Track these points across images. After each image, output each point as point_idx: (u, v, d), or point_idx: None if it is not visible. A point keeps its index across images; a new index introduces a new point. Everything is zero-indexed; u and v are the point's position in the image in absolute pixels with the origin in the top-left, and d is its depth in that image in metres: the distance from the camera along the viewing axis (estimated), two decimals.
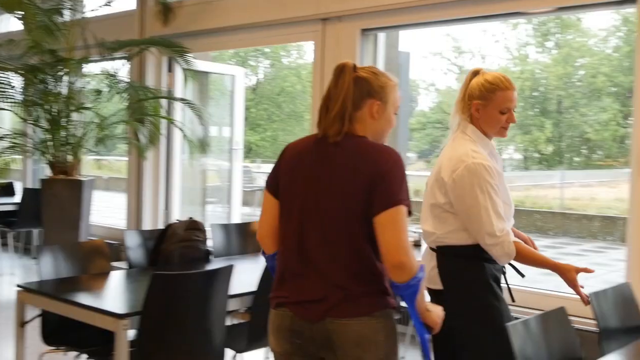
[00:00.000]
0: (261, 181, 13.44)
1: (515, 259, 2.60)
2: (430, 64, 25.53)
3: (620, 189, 16.24)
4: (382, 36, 5.80)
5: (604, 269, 9.41)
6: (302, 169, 2.15)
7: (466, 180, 2.55)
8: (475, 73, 2.74)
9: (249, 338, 3.34)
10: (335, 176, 2.09)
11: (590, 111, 21.19)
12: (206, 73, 7.23)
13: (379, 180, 2.04)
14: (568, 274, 2.57)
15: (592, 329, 4.17)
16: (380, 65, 5.83)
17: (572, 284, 2.57)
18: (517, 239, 2.66)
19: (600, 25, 23.86)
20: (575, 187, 16.23)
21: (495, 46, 29.78)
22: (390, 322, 2.12)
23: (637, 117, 4.32)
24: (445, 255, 2.67)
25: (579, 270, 2.58)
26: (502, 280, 2.69)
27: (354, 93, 2.10)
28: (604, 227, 12.17)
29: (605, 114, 21.21)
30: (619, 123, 22.06)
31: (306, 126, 26.20)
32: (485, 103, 2.67)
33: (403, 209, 2.03)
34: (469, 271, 2.64)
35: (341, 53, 5.71)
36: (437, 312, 2.19)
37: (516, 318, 2.44)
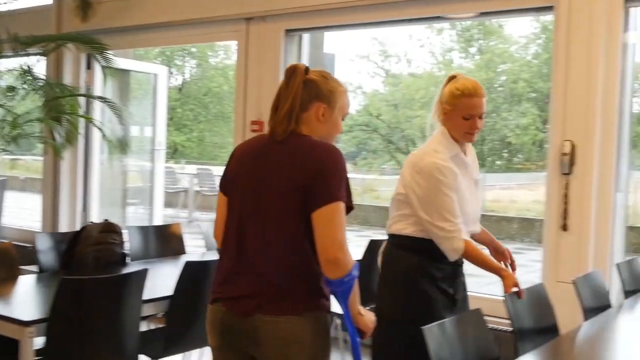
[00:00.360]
0: (185, 182, 13.23)
1: (465, 257, 2.74)
2: (357, 67, 25.75)
3: (538, 192, 16.74)
4: (306, 37, 5.78)
5: (522, 269, 9.60)
6: (246, 167, 2.20)
7: (421, 177, 2.71)
8: (451, 78, 2.89)
9: (165, 343, 3.24)
10: (274, 174, 2.13)
11: (510, 115, 21.79)
12: (127, 71, 7.03)
13: (317, 177, 2.06)
14: (507, 282, 2.69)
15: (509, 329, 4.28)
16: None
17: (507, 290, 2.68)
18: (469, 239, 2.78)
19: (520, 32, 24.63)
20: (496, 190, 16.64)
21: (420, 51, 30.29)
22: (320, 323, 2.11)
23: (553, 123, 4.43)
24: (392, 243, 2.85)
25: (516, 282, 2.72)
26: (447, 285, 2.78)
27: (302, 95, 2.14)
28: (522, 229, 12.49)
29: (525, 118, 21.85)
30: (537, 128, 22.77)
31: (232, 127, 26.09)
32: (451, 108, 2.80)
33: (341, 205, 2.05)
34: (406, 262, 2.78)
35: (265, 53, 5.66)
36: (369, 317, 2.20)
37: None
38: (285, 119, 2.14)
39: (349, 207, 2.09)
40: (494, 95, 22.77)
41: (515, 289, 2.68)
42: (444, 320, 2.31)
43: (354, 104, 26.06)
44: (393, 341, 2.76)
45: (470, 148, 2.99)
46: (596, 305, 3.14)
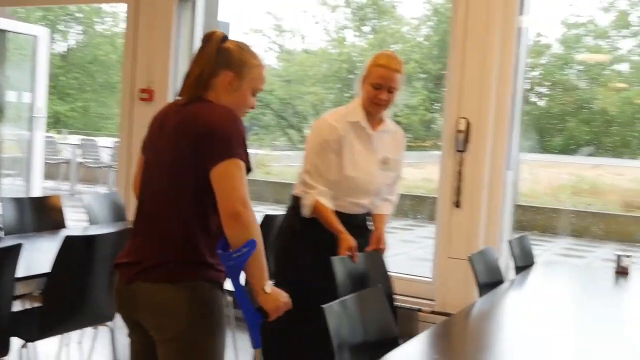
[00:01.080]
0: (67, 153, 12.54)
1: (316, 214, 2.87)
2: (251, 41, 25.32)
3: (426, 170, 17.16)
4: (200, 4, 5.54)
5: (412, 245, 9.83)
6: (151, 132, 2.20)
7: (310, 132, 2.98)
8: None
9: (40, 324, 2.98)
10: (171, 138, 2.08)
11: (402, 96, 22.17)
12: (3, 31, 6.51)
13: (210, 137, 2.00)
14: (343, 244, 2.78)
15: (409, 306, 4.29)
16: (198, 34, 5.56)
17: (341, 252, 2.77)
18: (323, 201, 2.85)
19: (413, 14, 25.01)
20: None
21: (315, 27, 30.20)
22: (199, 293, 2.02)
23: (449, 101, 4.45)
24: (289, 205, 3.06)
25: (352, 247, 2.79)
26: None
27: (214, 61, 2.10)
28: (414, 206, 12.71)
29: (415, 98, 22.29)
30: (426, 108, 23.31)
31: (119, 98, 25.15)
32: (366, 74, 2.94)
33: (238, 162, 1.99)
34: (288, 224, 3.01)
35: (156, 19, 5.40)
36: (276, 296, 2.03)
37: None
38: (193, 84, 2.11)
39: (248, 168, 2.04)
40: None
41: (349, 254, 2.78)
42: (344, 298, 2.22)
43: None
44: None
45: (390, 126, 3.07)
46: (490, 281, 3.17)
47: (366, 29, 25.35)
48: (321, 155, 2.86)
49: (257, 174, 15.89)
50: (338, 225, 2.82)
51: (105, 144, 12.67)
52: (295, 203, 3.00)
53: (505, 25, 4.30)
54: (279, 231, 3.11)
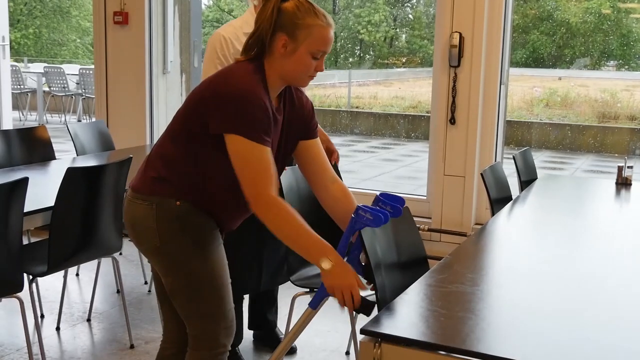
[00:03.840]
0: (31, 82, 12.06)
1: None
2: None
3: (393, 88, 17.08)
4: None
5: (394, 164, 9.80)
6: None
7: (206, 49, 2.89)
8: None
9: (49, 259, 2.90)
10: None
11: (363, 12, 21.78)
12: None
13: (210, 102, 1.91)
14: None
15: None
16: None
17: None
18: None
19: None
20: (354, 87, 16.75)
21: None
22: (163, 210, 1.97)
23: (440, 15, 4.34)
24: None
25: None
26: None
27: (271, 23, 1.94)
28: (389, 124, 12.62)
29: (377, 14, 21.95)
30: (389, 24, 23.00)
31: (74, 23, 24.09)
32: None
33: (238, 138, 1.87)
34: None
35: None
36: (335, 275, 1.81)
37: None
38: (247, 45, 1.99)
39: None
40: None
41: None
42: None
43: None
44: None
45: None
46: (500, 197, 3.17)
47: None
48: (219, 67, 2.71)
49: None
50: None
51: (70, 71, 12.21)
52: None
53: None
54: None
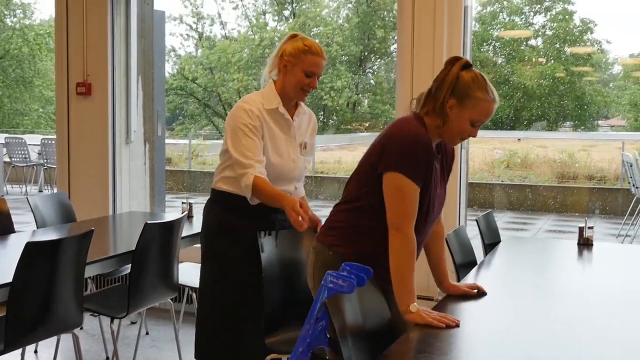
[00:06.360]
0: None
1: (256, 194, 2.70)
2: (170, 29, 24.81)
3: (357, 152, 17.25)
4: None
5: None
6: None
7: (229, 118, 2.83)
8: (292, 37, 2.89)
9: (6, 337, 2.80)
10: None
11: (326, 78, 22.21)
12: None
13: (384, 143, 2.27)
14: (289, 205, 2.57)
15: None
16: (134, 24, 5.36)
17: (290, 215, 2.55)
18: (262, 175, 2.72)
19: None
20: (318, 152, 16.92)
21: (234, 13, 29.75)
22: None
23: (400, 81, 4.44)
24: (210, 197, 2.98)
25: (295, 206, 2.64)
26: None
27: (447, 87, 2.21)
28: None
29: (340, 81, 22.37)
30: (352, 90, 23.42)
31: (36, 93, 24.00)
32: (295, 62, 2.82)
33: (396, 176, 2.18)
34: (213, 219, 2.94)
35: (88, 6, 5.17)
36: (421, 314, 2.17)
37: None
38: (420, 101, 2.29)
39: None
40: None
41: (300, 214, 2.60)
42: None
43: (168, 67, 25.18)
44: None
45: (305, 110, 3.00)
46: (465, 261, 3.17)
47: (286, 13, 25.24)
48: (249, 136, 2.74)
49: (193, 164, 15.62)
50: (281, 192, 2.71)
51: (32, 141, 12.10)
52: (216, 197, 2.95)
53: (451, 4, 4.31)
54: (202, 227, 3.02)
